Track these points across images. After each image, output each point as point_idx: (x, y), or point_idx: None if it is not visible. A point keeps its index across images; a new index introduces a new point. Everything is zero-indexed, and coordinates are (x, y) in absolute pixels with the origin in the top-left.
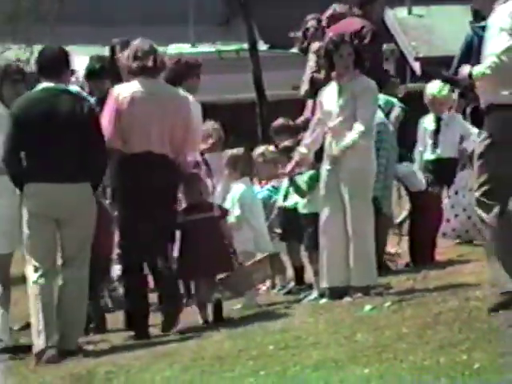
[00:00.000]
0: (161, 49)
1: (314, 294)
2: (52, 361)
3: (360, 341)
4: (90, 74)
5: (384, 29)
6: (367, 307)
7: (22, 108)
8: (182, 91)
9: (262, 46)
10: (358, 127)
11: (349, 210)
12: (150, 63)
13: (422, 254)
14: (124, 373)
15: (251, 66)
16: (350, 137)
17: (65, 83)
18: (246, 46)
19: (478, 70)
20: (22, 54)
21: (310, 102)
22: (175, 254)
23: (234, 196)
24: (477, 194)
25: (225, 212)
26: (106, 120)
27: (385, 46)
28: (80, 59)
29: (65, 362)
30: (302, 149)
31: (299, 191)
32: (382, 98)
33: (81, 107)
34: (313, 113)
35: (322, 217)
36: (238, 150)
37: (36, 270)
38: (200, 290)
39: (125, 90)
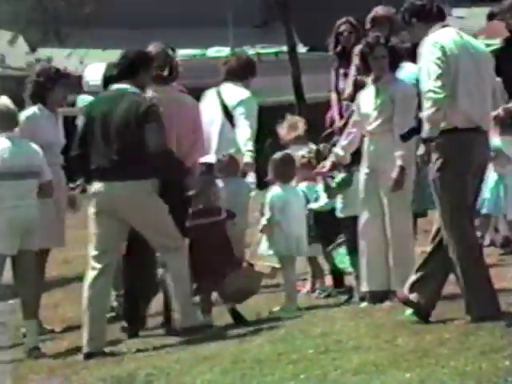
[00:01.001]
0: (199, 51)
1: (355, 297)
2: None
3: (401, 345)
4: (107, 81)
5: None
6: (408, 311)
7: (91, 106)
8: (190, 98)
9: (301, 49)
10: (397, 139)
11: (388, 213)
12: (165, 72)
13: None
14: (164, 376)
15: (290, 69)
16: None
17: (140, 85)
18: (285, 48)
19: (426, 115)
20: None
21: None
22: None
23: (266, 199)
24: None
25: (231, 215)
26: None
27: None
28: None
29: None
30: (338, 150)
31: (329, 191)
32: None
33: (139, 106)
34: (340, 115)
35: (361, 220)
36: (278, 154)
37: (94, 268)
38: (205, 293)
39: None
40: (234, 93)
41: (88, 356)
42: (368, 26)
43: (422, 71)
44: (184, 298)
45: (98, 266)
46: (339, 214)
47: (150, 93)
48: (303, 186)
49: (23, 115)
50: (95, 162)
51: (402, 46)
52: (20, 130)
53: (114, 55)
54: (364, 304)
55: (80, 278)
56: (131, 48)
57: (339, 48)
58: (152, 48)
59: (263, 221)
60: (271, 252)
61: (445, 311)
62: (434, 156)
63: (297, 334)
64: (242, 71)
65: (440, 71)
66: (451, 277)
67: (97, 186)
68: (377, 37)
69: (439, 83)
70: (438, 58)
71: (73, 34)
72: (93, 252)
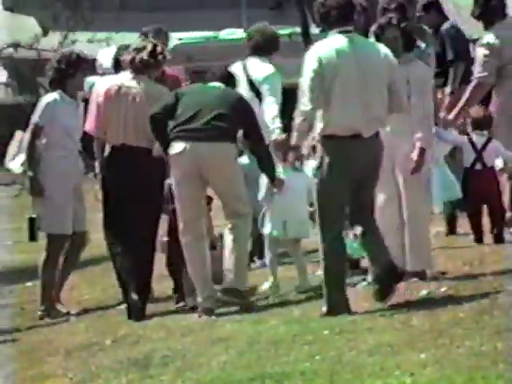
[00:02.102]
0: (212, 34)
1: (369, 278)
2: (207, 313)
3: (416, 326)
4: (117, 63)
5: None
6: (423, 292)
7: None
8: (159, 86)
9: (315, 30)
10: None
11: (404, 194)
12: (136, 59)
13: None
14: (180, 357)
15: (304, 50)
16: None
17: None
18: (298, 29)
19: (294, 124)
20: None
21: None
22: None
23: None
24: None
25: (209, 199)
26: (91, 111)
27: None
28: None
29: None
30: None
31: None
32: None
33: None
34: None
35: (378, 201)
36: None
37: (184, 232)
38: (185, 278)
39: (103, 84)
40: (259, 68)
41: (208, 311)
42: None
43: (302, 79)
44: (243, 262)
45: (192, 234)
46: None
47: (116, 78)
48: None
49: (43, 101)
50: (182, 124)
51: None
52: (40, 116)
53: (126, 39)
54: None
55: (95, 261)
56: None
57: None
58: (148, 29)
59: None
60: (266, 232)
61: (458, 290)
62: (319, 155)
63: (312, 315)
64: (267, 46)
65: (311, 84)
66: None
67: (181, 146)
68: (389, 18)
69: (308, 96)
70: (313, 70)
71: (85, 16)
72: (184, 217)
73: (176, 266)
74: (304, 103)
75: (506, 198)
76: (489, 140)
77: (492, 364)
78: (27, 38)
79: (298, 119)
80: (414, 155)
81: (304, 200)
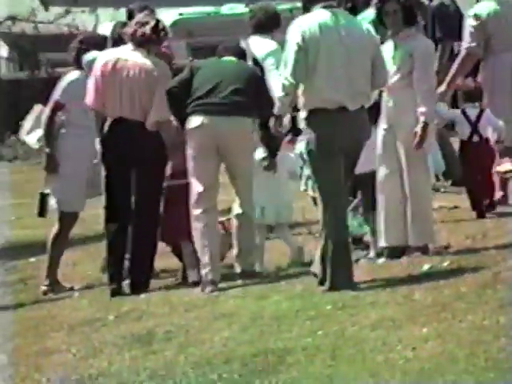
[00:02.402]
0: (213, 9)
1: (372, 253)
2: (211, 285)
3: (418, 300)
4: (114, 41)
5: None
6: (426, 266)
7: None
8: (155, 59)
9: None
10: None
11: (406, 169)
12: (138, 33)
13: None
14: (183, 333)
15: None
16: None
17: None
18: (299, 4)
19: (277, 96)
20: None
21: None
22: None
23: None
24: None
25: None
26: (89, 85)
27: None
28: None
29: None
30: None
31: None
32: None
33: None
34: None
35: (379, 176)
36: None
37: (197, 204)
38: (185, 253)
39: (102, 57)
40: (262, 45)
41: (213, 282)
42: None
43: (284, 52)
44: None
45: (204, 206)
46: (356, 171)
47: (119, 53)
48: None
49: (66, 79)
50: (200, 98)
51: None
52: (61, 94)
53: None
54: (381, 260)
55: (97, 237)
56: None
57: (349, 4)
58: (134, 6)
59: None
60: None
61: (461, 265)
62: (305, 131)
63: (314, 291)
64: (269, 24)
65: (295, 57)
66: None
67: (199, 120)
68: None
69: (290, 70)
70: (297, 44)
71: None
72: (198, 190)
73: (172, 239)
74: (287, 77)
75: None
76: (482, 111)
77: (494, 338)
78: (25, 12)
79: (279, 93)
80: (418, 129)
81: (285, 184)
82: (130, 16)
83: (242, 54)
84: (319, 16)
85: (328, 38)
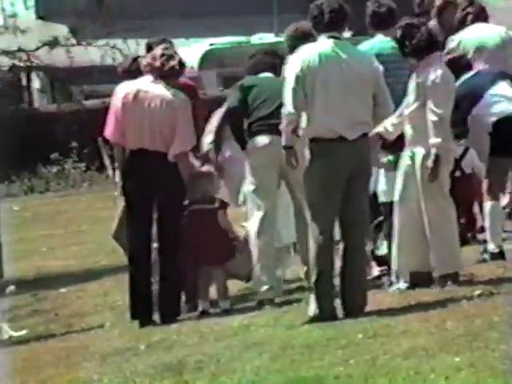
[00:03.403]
0: (244, 39)
1: (401, 282)
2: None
3: (450, 329)
4: (131, 74)
5: None
6: (457, 295)
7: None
8: (175, 90)
9: (346, 34)
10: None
11: (422, 199)
12: (167, 66)
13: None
14: (214, 362)
15: None
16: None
17: None
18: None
19: (281, 127)
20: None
21: None
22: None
23: None
24: None
25: (225, 205)
26: (110, 116)
27: None
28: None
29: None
30: (387, 125)
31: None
32: None
33: None
34: None
35: (396, 201)
36: None
37: (260, 226)
38: (202, 278)
39: (122, 89)
40: None
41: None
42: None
43: (285, 83)
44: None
45: (260, 212)
46: (381, 199)
47: (133, 84)
48: None
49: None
50: (265, 118)
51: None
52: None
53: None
54: (404, 285)
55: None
56: None
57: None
58: (153, 40)
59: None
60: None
61: (492, 293)
62: (307, 156)
63: (345, 319)
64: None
65: (293, 87)
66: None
67: (267, 139)
68: (415, 19)
69: (291, 99)
70: (295, 73)
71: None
72: (255, 201)
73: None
74: (287, 107)
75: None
76: (467, 149)
77: None
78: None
79: (283, 122)
80: (429, 162)
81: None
82: (150, 48)
83: (276, 70)
84: (321, 46)
85: (326, 68)
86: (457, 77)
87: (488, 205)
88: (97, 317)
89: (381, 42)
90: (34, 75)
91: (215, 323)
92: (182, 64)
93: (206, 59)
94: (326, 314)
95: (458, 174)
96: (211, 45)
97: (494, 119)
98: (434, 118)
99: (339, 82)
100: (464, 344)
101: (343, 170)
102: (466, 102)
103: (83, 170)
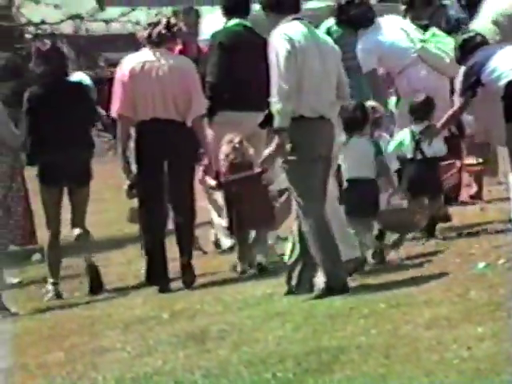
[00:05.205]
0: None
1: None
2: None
3: (473, 299)
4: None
5: None
6: (481, 264)
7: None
8: (180, 56)
9: (372, 0)
10: None
11: None
12: (153, 34)
13: None
14: (237, 331)
15: None
16: None
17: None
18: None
19: (276, 108)
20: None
21: None
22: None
23: None
24: None
25: (264, 169)
26: (116, 91)
27: None
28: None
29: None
30: None
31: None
32: None
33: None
34: None
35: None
36: None
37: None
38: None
39: (127, 62)
40: None
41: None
42: None
43: (272, 62)
44: None
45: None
46: None
47: (138, 55)
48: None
49: None
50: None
51: None
52: None
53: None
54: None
55: None
56: None
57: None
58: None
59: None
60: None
61: None
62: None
63: (367, 288)
64: None
65: (287, 64)
66: None
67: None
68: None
69: (286, 76)
70: (287, 51)
71: None
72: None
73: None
74: (283, 84)
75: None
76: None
77: None
78: (83, 13)
79: (281, 101)
80: None
81: None
82: (175, 16)
83: None
84: (299, 27)
85: (310, 50)
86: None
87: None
88: (120, 285)
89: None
90: (59, 43)
91: (238, 292)
92: (169, 28)
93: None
94: (336, 287)
95: (418, 156)
96: None
97: (504, 82)
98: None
99: (320, 62)
100: (487, 314)
101: (323, 148)
102: (473, 73)
103: (109, 138)
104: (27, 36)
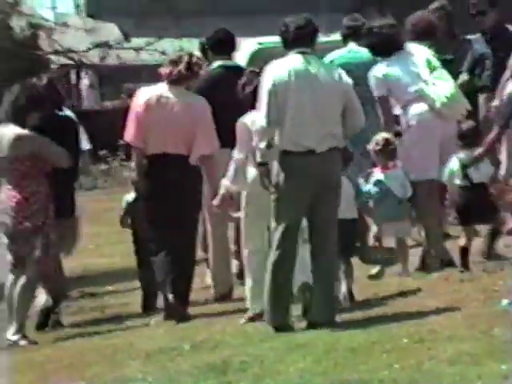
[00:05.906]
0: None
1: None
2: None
3: (497, 336)
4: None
5: None
6: (504, 301)
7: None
8: (195, 95)
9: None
10: None
11: None
12: (174, 72)
13: None
14: (258, 363)
15: None
16: None
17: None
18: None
19: (256, 143)
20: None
21: None
22: None
23: None
24: None
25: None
26: (130, 120)
27: None
28: None
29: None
30: None
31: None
32: None
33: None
34: None
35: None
36: None
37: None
38: None
39: (143, 94)
40: None
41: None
42: None
43: (259, 98)
44: None
45: None
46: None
47: (155, 89)
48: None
49: None
50: None
51: None
52: None
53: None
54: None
55: None
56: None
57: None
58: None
59: None
60: None
61: None
62: (274, 172)
63: (390, 322)
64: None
65: (266, 102)
66: None
67: None
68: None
69: (265, 114)
70: (267, 89)
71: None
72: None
73: None
74: (261, 121)
75: None
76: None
77: None
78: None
79: (257, 137)
80: None
81: None
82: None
83: None
84: (291, 61)
85: (297, 83)
86: None
87: None
88: (142, 315)
89: (349, 51)
90: (83, 73)
91: (260, 324)
92: (190, 67)
93: (255, 58)
94: (280, 325)
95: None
96: (260, 44)
97: None
98: None
99: (310, 96)
100: (511, 351)
101: (310, 183)
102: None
103: (130, 167)
104: (53, 65)
